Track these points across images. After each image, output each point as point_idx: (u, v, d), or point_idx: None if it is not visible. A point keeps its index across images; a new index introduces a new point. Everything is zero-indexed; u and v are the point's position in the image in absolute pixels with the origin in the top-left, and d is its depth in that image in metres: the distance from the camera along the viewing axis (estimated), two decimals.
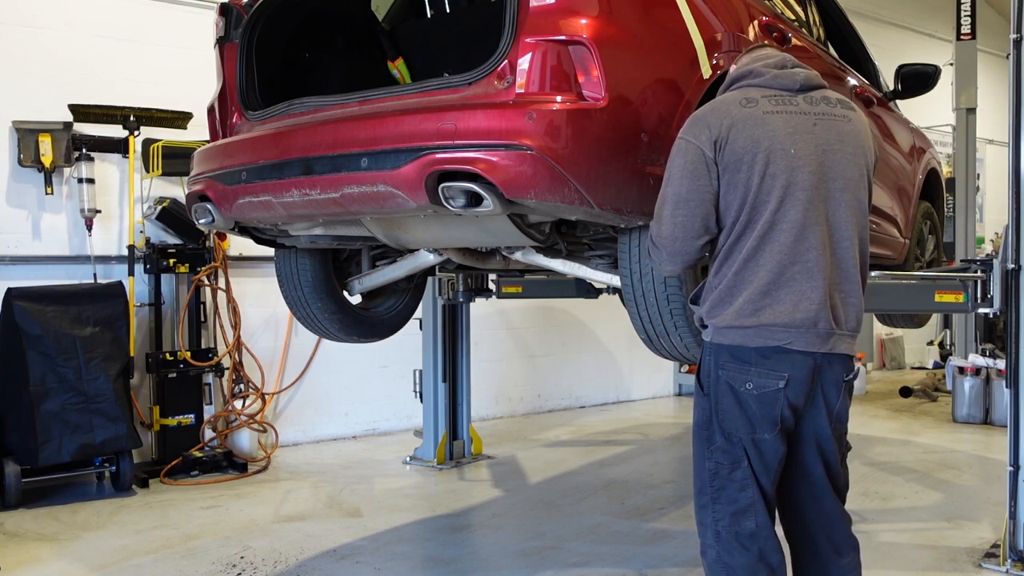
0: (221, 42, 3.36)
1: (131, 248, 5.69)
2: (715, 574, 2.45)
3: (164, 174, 5.74)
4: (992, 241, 11.82)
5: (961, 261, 6.89)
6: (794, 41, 3.38)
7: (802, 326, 2.31)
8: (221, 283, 6.07)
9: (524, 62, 2.49)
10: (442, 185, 2.47)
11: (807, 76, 2.47)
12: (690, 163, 2.35)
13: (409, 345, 6.14)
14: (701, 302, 2.47)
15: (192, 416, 5.75)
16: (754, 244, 2.32)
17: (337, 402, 6.86)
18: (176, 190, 5.98)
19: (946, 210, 6.72)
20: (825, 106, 2.44)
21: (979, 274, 3.94)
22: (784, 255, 2.31)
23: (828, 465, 2.51)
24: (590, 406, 8.44)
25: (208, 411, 5.97)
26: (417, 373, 6.09)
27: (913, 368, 11.27)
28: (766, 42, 3.08)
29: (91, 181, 5.59)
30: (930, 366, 11.00)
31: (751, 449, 2.40)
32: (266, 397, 6.34)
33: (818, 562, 2.57)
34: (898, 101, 4.77)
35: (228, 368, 6.12)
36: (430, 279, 5.43)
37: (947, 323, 11.07)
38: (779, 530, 2.50)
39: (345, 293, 3.86)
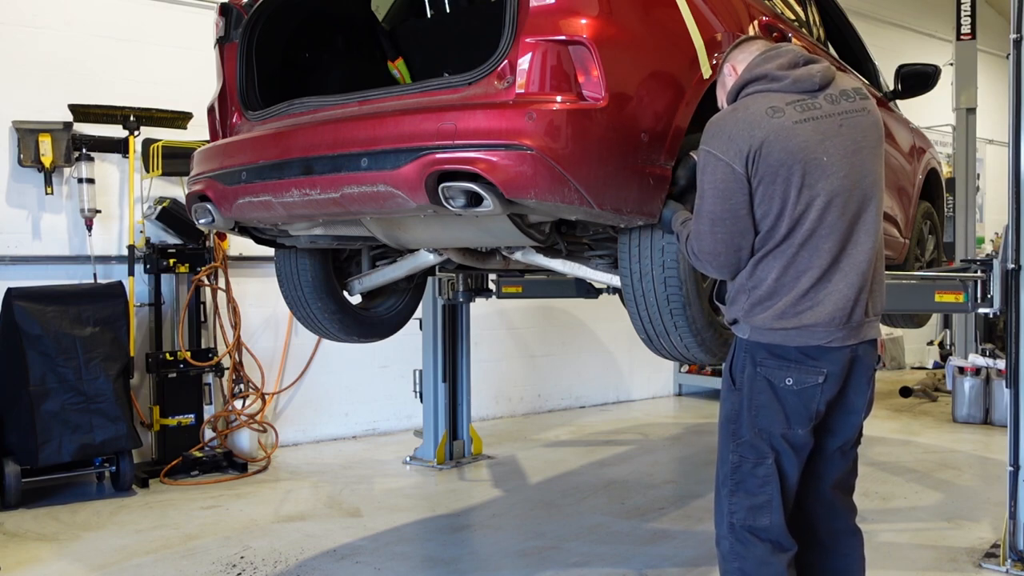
0: (221, 42, 3.36)
1: (131, 248, 5.69)
2: (728, 563, 2.49)
3: (164, 174, 5.74)
4: (992, 241, 11.82)
5: (961, 261, 6.89)
6: (794, 41, 3.38)
7: (840, 324, 2.37)
8: (221, 283, 6.07)
9: (524, 62, 2.49)
10: (442, 185, 2.47)
11: (823, 73, 2.43)
12: (720, 181, 2.34)
13: (409, 345, 6.14)
14: (730, 301, 2.49)
15: (192, 416, 5.75)
16: (793, 252, 2.35)
17: (337, 402, 6.86)
18: (176, 190, 5.98)
19: (946, 210, 6.72)
20: (846, 102, 2.43)
21: (979, 274, 3.94)
22: (824, 260, 2.35)
23: (843, 455, 2.59)
24: (590, 406, 8.43)
25: (208, 411, 5.96)
26: (417, 373, 6.09)
27: (913, 368, 11.27)
28: (754, 34, 3.06)
29: (91, 181, 5.59)
30: (930, 366, 10.99)
31: (782, 445, 2.44)
32: (266, 397, 6.33)
33: (821, 553, 2.59)
34: (898, 101, 4.77)
35: (228, 368, 6.12)
36: (430, 279, 5.43)
37: (947, 323, 11.07)
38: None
39: (345, 293, 3.87)
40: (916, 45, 11.49)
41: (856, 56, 4.74)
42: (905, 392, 8.70)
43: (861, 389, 2.51)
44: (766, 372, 2.42)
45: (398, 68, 3.80)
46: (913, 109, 5.94)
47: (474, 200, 2.46)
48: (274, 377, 6.52)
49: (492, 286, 5.56)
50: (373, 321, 4.00)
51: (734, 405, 2.50)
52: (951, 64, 9.30)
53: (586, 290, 5.39)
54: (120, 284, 5.47)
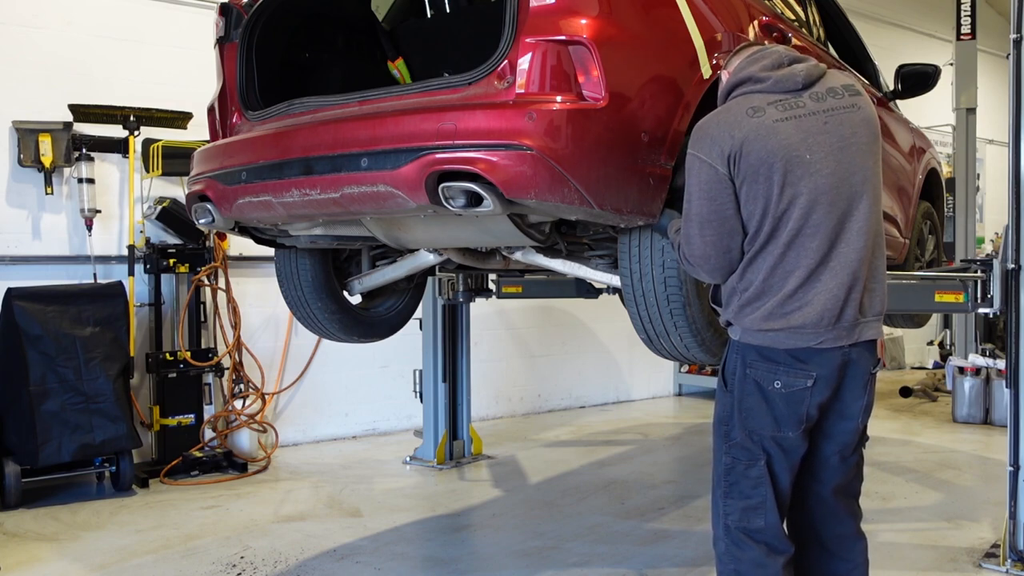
0: (221, 42, 3.36)
1: (131, 248, 5.69)
2: (724, 565, 2.50)
3: (164, 174, 5.74)
4: (992, 241, 11.82)
5: (961, 261, 6.89)
6: (794, 41, 3.38)
7: (830, 324, 2.35)
8: (221, 283, 6.07)
9: (524, 62, 2.49)
10: (442, 185, 2.47)
11: (807, 71, 2.43)
12: (704, 183, 2.35)
13: (409, 345, 6.14)
14: (725, 304, 2.48)
15: (192, 416, 5.75)
16: (780, 251, 2.34)
17: (337, 402, 6.86)
18: (176, 190, 5.98)
19: (946, 210, 6.71)
20: (832, 99, 2.41)
21: (979, 274, 3.94)
22: (811, 259, 2.33)
23: (843, 460, 2.56)
24: (590, 406, 8.43)
25: (208, 411, 5.96)
26: (417, 373, 6.09)
27: (913, 368, 11.27)
28: (754, 40, 3.06)
29: (91, 181, 5.59)
30: (930, 366, 10.99)
31: (772, 447, 2.43)
32: (266, 397, 6.33)
33: (823, 557, 2.58)
34: (898, 101, 4.77)
35: (228, 368, 6.12)
36: (430, 279, 5.43)
37: (947, 323, 11.07)
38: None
39: (345, 293, 3.87)
40: (916, 45, 11.49)
41: (856, 56, 4.74)
42: (905, 392, 8.70)
43: (857, 393, 2.47)
44: (755, 374, 2.41)
45: (398, 68, 3.80)
46: (913, 109, 5.94)
47: (474, 200, 2.46)
48: (274, 377, 6.52)
49: (492, 286, 5.56)
50: (373, 321, 3.99)
51: (725, 407, 2.50)
52: (951, 64, 9.29)
53: (586, 290, 5.40)
54: (120, 284, 5.47)
